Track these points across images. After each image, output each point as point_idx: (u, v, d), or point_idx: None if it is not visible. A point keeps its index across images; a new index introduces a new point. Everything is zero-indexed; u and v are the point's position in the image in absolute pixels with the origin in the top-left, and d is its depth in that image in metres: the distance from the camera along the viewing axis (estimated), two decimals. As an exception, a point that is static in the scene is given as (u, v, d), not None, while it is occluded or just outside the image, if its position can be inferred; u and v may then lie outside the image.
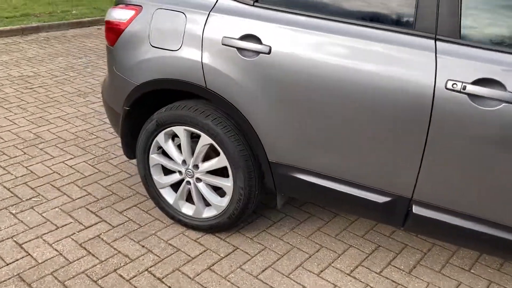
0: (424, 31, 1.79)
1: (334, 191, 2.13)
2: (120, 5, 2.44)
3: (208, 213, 2.49)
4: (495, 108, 1.67)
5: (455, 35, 1.75)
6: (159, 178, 2.56)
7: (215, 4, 2.17)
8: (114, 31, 2.43)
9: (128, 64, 2.41)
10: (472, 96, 1.69)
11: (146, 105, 2.53)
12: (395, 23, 1.88)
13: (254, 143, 2.21)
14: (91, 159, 3.38)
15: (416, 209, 1.98)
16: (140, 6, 2.35)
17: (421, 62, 1.77)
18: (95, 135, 3.77)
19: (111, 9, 2.48)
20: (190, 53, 2.19)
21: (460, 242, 2.01)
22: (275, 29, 2.02)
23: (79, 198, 2.88)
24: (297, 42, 1.98)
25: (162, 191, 2.58)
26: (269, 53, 2.01)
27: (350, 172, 2.06)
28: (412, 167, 1.90)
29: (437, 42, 1.77)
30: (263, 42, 2.03)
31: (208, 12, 2.16)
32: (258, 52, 2.03)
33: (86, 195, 2.91)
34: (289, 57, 1.98)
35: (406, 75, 1.79)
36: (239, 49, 2.07)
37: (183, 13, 2.22)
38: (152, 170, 2.55)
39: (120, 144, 3.49)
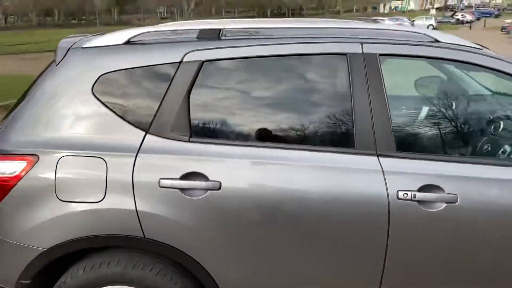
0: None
1: None
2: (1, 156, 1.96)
3: None
4: (439, 209, 1.90)
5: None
6: None
7: (141, 144, 1.94)
8: None
9: (24, 227, 1.96)
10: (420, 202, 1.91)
11: (51, 275, 2.09)
12: (338, 145, 2.00)
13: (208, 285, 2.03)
14: None
15: None
16: (35, 155, 1.93)
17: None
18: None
19: None
20: (119, 203, 1.92)
21: None
22: (221, 163, 1.93)
23: None
24: (247, 175, 1.94)
25: None
26: (219, 189, 1.91)
27: None
28: (376, 271, 1.98)
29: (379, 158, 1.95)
30: (211, 179, 1.92)
31: (135, 154, 1.93)
32: (206, 189, 1.91)
33: None
34: (240, 190, 1.92)
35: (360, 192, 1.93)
36: (183, 189, 1.91)
37: (101, 158, 1.92)
38: None
39: None
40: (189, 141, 1.97)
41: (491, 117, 2.34)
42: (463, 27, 49.16)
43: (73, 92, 2.02)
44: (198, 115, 2.03)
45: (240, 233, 1.97)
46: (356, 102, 1.97)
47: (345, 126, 2.02)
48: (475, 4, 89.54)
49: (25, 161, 1.95)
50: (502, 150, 2.18)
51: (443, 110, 2.34)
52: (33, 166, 1.95)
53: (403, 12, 76.69)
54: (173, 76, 1.99)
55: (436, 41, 2.08)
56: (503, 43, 26.48)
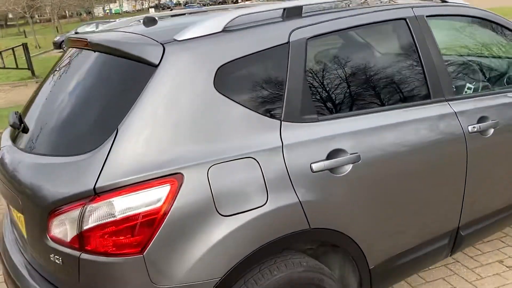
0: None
1: (415, 259, 2.30)
2: (128, 188, 1.56)
3: None
4: (489, 135, 2.42)
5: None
6: None
7: (280, 134, 1.82)
8: (142, 227, 1.57)
9: (186, 262, 1.62)
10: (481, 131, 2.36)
11: None
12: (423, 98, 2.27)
13: (357, 260, 2.06)
14: None
15: (463, 232, 2.45)
16: (178, 173, 1.61)
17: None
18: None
19: (114, 201, 1.56)
20: (283, 199, 1.77)
21: None
22: (353, 135, 1.96)
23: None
24: (376, 141, 2.02)
25: None
26: (359, 160, 1.94)
27: (425, 236, 2.31)
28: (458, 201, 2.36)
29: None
30: (350, 152, 1.92)
31: (281, 145, 1.79)
32: (349, 163, 1.92)
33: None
34: (376, 159, 2.00)
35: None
36: (331, 169, 1.88)
37: (252, 157, 1.73)
38: None
39: None
40: (318, 120, 1.93)
41: None
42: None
43: (194, 92, 1.71)
44: (316, 94, 1.98)
45: (379, 200, 2.05)
46: (423, 57, 2.25)
47: (422, 81, 2.26)
48: (184, 1, 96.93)
49: (168, 184, 1.59)
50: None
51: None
52: (179, 187, 1.59)
53: (118, 14, 77.00)
54: (288, 58, 1.89)
55: (447, 2, 2.53)
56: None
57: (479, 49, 2.84)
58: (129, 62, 1.76)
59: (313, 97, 1.95)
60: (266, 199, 1.73)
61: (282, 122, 1.84)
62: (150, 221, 1.57)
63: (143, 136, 1.62)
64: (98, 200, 1.56)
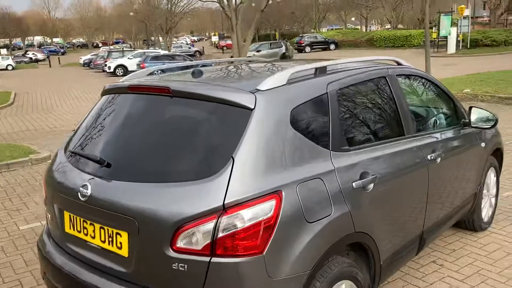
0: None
1: (402, 256, 3.04)
2: (248, 203, 2.02)
3: None
4: (439, 161, 3.33)
5: None
6: None
7: (331, 160, 2.43)
8: (262, 233, 2.03)
9: (289, 258, 2.10)
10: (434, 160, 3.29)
11: None
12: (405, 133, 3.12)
13: (374, 256, 2.68)
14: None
15: (425, 236, 3.25)
16: (279, 191, 2.10)
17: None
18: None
19: (238, 214, 2.00)
20: (340, 209, 2.34)
21: None
22: (371, 161, 2.66)
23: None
24: (384, 167, 2.77)
25: None
26: (376, 180, 2.60)
27: (408, 237, 3.07)
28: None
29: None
30: (371, 173, 2.58)
31: (334, 169, 2.40)
32: (372, 182, 2.57)
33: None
34: (386, 178, 2.74)
35: None
36: (363, 187, 2.53)
37: (320, 178, 2.30)
38: None
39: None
40: (350, 150, 2.58)
41: None
42: (41, 65, 50.11)
43: (279, 128, 2.24)
44: (347, 131, 2.64)
45: (387, 208, 2.77)
46: (398, 105, 3.07)
47: (399, 122, 3.06)
48: (39, 43, 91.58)
49: (274, 199, 2.08)
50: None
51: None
52: (281, 201, 2.10)
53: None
54: (328, 104, 2.53)
55: (400, 64, 3.43)
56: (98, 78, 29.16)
57: (422, 99, 3.81)
58: (226, 107, 2.23)
59: (344, 133, 2.60)
60: (331, 209, 2.30)
61: (331, 152, 2.45)
62: (267, 227, 2.03)
63: (252, 163, 2.10)
64: (229, 213, 1.98)
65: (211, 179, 2.05)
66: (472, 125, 3.75)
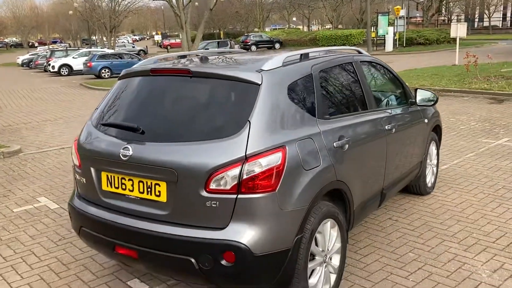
0: None
1: (368, 205, 3.77)
2: (263, 154, 2.65)
3: None
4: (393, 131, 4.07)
5: None
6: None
7: (317, 124, 3.10)
8: (275, 175, 2.66)
9: (294, 196, 2.75)
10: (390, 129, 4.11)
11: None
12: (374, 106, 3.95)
13: (350, 203, 3.35)
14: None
15: (385, 191, 4.02)
16: (284, 146, 2.74)
17: None
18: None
19: (257, 161, 2.62)
20: (326, 162, 3.02)
21: None
22: (347, 128, 3.36)
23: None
24: (356, 132, 3.49)
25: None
26: (350, 142, 3.30)
27: (373, 191, 3.83)
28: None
29: None
30: (346, 137, 3.28)
31: (320, 133, 3.07)
32: (346, 144, 3.26)
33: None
34: (356, 141, 3.46)
35: None
36: (342, 147, 3.22)
37: (311, 138, 2.98)
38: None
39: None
40: (330, 118, 3.27)
41: None
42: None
43: (280, 99, 2.90)
44: (327, 103, 3.33)
45: (359, 164, 3.50)
46: (362, 84, 3.79)
47: (362, 98, 3.79)
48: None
49: (281, 151, 2.73)
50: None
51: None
52: (286, 153, 2.75)
53: None
54: (313, 82, 3.21)
55: (361, 53, 4.17)
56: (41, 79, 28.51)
57: (378, 81, 4.58)
58: (239, 83, 2.86)
59: (325, 105, 3.29)
60: (320, 161, 2.98)
61: (317, 119, 3.12)
62: (278, 172, 2.68)
63: (263, 125, 2.73)
64: (250, 161, 2.61)
65: (234, 137, 2.66)
66: (418, 104, 4.58)
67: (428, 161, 5.15)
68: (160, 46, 63.77)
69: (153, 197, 2.81)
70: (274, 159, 2.68)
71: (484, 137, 7.95)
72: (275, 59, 3.06)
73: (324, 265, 3.10)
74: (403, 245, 4.07)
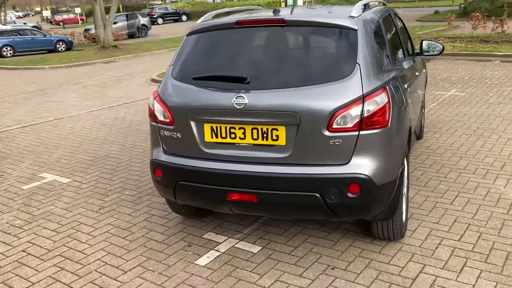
0: None
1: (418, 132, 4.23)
2: (375, 92, 2.87)
3: None
4: None
5: None
6: None
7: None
8: (387, 112, 2.89)
9: (397, 133, 3.05)
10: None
11: None
12: None
13: None
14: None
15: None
16: (385, 87, 2.96)
17: None
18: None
19: (373, 99, 2.84)
20: (407, 101, 3.41)
21: None
22: (406, 71, 3.79)
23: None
24: (410, 74, 4.01)
25: None
26: (410, 86, 3.70)
27: (419, 121, 4.32)
28: None
29: None
30: (407, 80, 3.65)
31: (397, 75, 3.40)
32: (410, 85, 3.68)
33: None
34: (412, 83, 3.95)
35: None
36: (407, 88, 3.58)
37: (395, 80, 3.27)
38: None
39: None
40: (395, 64, 3.57)
41: None
42: None
43: (374, 42, 3.15)
44: (391, 49, 3.63)
45: (412, 103, 3.84)
46: (400, 33, 4.14)
47: (405, 45, 4.15)
48: None
49: (385, 92, 2.97)
50: None
51: None
52: (388, 93, 2.98)
53: None
54: (382, 29, 3.50)
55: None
56: None
57: (402, 31, 4.96)
58: (336, 30, 3.04)
59: (392, 50, 3.60)
60: (405, 102, 3.32)
61: (391, 62, 3.42)
62: (388, 109, 2.93)
63: (370, 66, 2.97)
64: (368, 99, 2.83)
65: (349, 78, 2.87)
66: (424, 54, 5.05)
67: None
68: (51, 22, 59.02)
69: (269, 142, 2.93)
70: (384, 97, 2.92)
71: (435, 90, 8.81)
72: (357, 7, 3.27)
73: (404, 194, 3.46)
74: (430, 180, 4.57)
